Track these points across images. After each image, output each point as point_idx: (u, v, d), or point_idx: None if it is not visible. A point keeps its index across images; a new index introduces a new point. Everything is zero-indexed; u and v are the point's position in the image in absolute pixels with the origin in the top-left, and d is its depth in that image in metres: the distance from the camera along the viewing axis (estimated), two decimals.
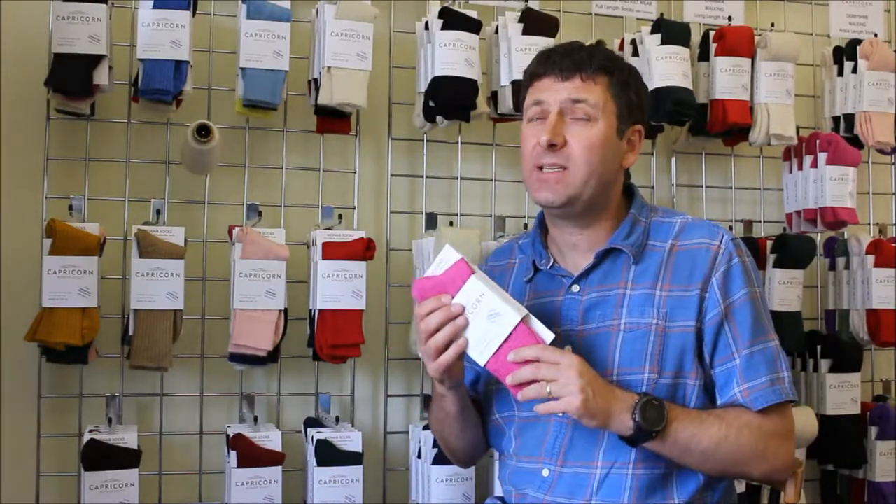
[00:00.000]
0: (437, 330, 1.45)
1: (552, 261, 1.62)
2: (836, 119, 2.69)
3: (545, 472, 1.53)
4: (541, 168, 1.54)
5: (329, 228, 2.26)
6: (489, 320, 1.43)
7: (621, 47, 2.53)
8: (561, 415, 1.48)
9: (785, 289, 2.50)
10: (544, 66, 1.58)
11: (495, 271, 1.72)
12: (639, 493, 1.47)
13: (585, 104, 1.53)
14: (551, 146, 1.52)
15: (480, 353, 1.44)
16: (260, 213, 2.24)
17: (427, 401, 2.33)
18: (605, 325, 1.52)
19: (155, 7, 2.13)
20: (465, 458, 1.82)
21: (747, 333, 1.50)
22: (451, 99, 2.28)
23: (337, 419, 2.27)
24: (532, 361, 1.41)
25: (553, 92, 1.55)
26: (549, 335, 1.44)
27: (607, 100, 1.55)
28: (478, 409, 1.71)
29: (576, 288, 1.57)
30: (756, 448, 1.48)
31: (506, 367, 1.43)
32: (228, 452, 2.12)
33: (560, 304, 1.57)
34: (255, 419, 2.24)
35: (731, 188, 2.73)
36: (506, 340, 1.43)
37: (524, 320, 1.43)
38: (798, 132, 2.60)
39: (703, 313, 1.51)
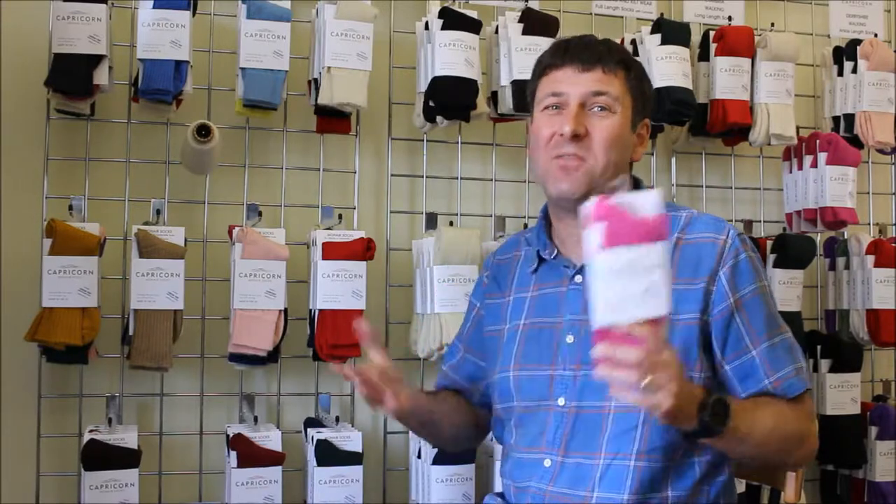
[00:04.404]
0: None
1: (556, 251, 1.63)
2: (836, 119, 2.69)
3: (547, 462, 1.53)
4: (559, 158, 1.54)
5: (329, 228, 2.26)
6: (645, 292, 1.24)
7: (623, 45, 2.53)
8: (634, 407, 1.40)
9: (785, 289, 2.50)
10: (562, 57, 1.58)
11: (502, 265, 1.72)
12: (640, 485, 1.47)
13: (607, 96, 1.54)
14: (575, 136, 1.52)
15: (608, 314, 1.26)
16: (260, 213, 2.24)
17: None
18: None
19: (155, 7, 2.13)
20: (452, 450, 1.84)
21: (763, 327, 1.51)
22: (451, 99, 2.29)
23: (337, 419, 2.27)
24: (633, 341, 1.26)
25: (573, 83, 1.55)
26: None
27: (624, 93, 1.56)
28: (469, 401, 1.74)
29: (579, 278, 1.57)
30: (799, 433, 1.50)
31: (611, 337, 1.26)
32: (228, 452, 2.12)
33: (563, 295, 1.58)
34: (255, 419, 2.24)
35: (731, 188, 2.73)
36: (640, 321, 1.25)
37: (665, 317, 1.26)
38: (798, 132, 2.60)
39: (711, 306, 1.51)
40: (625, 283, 1.24)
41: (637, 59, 2.41)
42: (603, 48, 1.58)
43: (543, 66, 1.61)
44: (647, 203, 1.25)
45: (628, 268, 1.24)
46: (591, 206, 1.26)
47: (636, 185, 1.64)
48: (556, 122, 1.54)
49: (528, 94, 1.68)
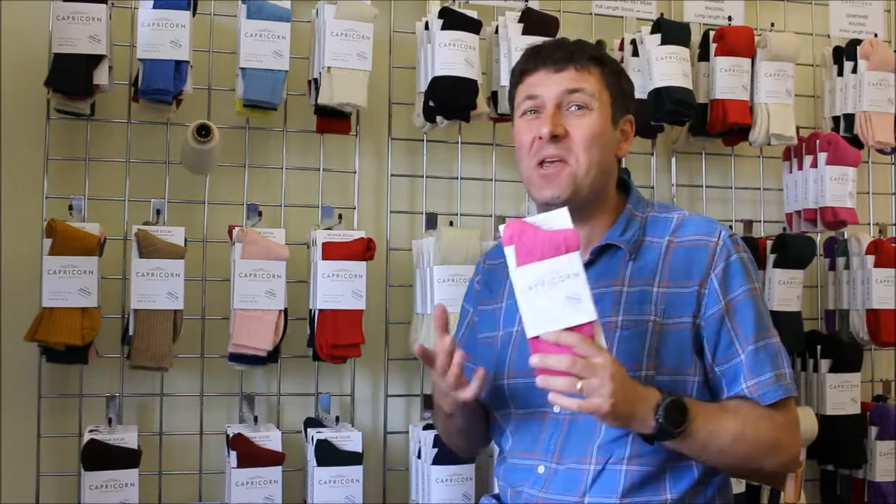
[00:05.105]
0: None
1: None
2: (836, 119, 2.69)
3: (540, 469, 1.53)
4: (541, 164, 1.54)
5: (329, 228, 2.26)
6: (566, 301, 1.34)
7: (621, 47, 2.53)
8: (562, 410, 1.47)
9: (785, 289, 2.50)
10: (535, 60, 1.58)
11: (493, 270, 1.72)
12: (632, 488, 1.46)
13: (582, 93, 1.54)
14: (554, 137, 1.51)
15: (535, 325, 1.35)
16: (260, 213, 2.24)
17: (427, 400, 2.34)
18: (602, 323, 1.52)
19: (155, 7, 2.13)
20: (468, 455, 1.86)
21: (751, 330, 1.50)
22: (451, 99, 2.29)
23: (337, 419, 2.27)
24: (567, 350, 1.33)
25: (548, 85, 1.55)
26: (605, 346, 1.37)
27: (601, 89, 1.56)
28: (482, 409, 1.71)
29: None
30: (771, 440, 1.48)
31: (542, 347, 1.35)
32: (228, 452, 2.12)
33: None
34: (255, 419, 2.24)
35: (731, 188, 2.73)
36: (567, 329, 1.34)
37: (595, 322, 1.36)
38: (798, 132, 2.60)
39: (703, 309, 1.50)
40: (544, 296, 1.34)
41: (636, 59, 2.45)
42: (574, 47, 1.58)
43: (518, 73, 1.61)
44: (553, 220, 1.37)
45: (544, 281, 1.35)
46: (503, 228, 1.38)
47: (624, 183, 1.64)
48: (535, 126, 1.54)
49: (507, 102, 1.68)
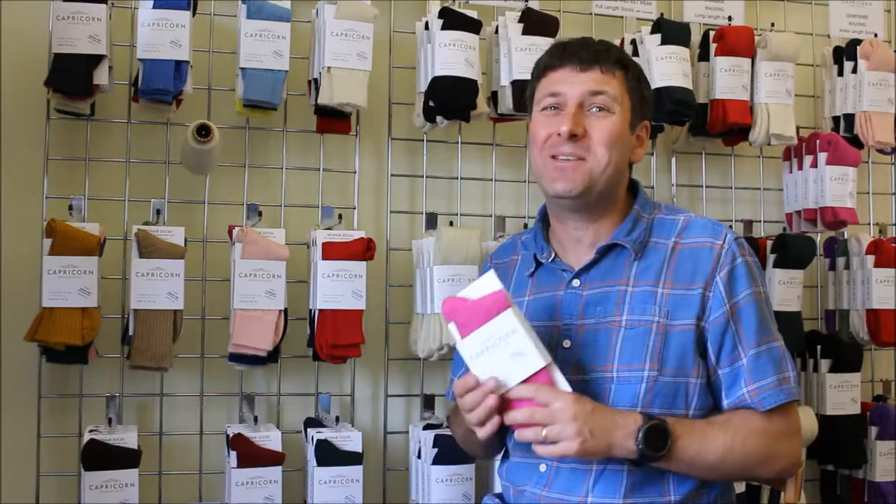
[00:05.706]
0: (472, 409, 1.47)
1: (553, 255, 1.63)
2: (836, 119, 2.69)
3: (542, 468, 1.53)
4: (555, 158, 1.54)
5: (329, 228, 2.26)
6: (512, 358, 1.42)
7: (621, 47, 2.53)
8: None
9: (785, 289, 2.50)
10: (560, 57, 1.58)
11: (500, 269, 1.72)
12: (633, 488, 1.47)
13: (605, 96, 1.54)
14: (572, 136, 1.52)
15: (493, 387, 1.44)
16: (260, 213, 2.24)
17: (427, 401, 2.34)
18: (606, 322, 1.52)
19: (155, 7, 2.13)
20: (488, 458, 1.92)
21: (753, 334, 1.50)
22: (451, 99, 2.29)
23: (337, 419, 2.27)
24: (528, 401, 1.41)
25: (571, 83, 1.55)
26: (566, 387, 1.42)
27: (623, 93, 1.56)
28: None
29: (576, 282, 1.57)
30: (764, 452, 1.48)
31: (506, 404, 1.43)
32: (228, 452, 2.12)
33: (560, 299, 1.57)
34: (255, 419, 2.24)
35: (731, 188, 2.73)
36: (523, 382, 1.42)
37: (547, 367, 1.42)
38: (798, 132, 2.60)
39: (707, 312, 1.50)
40: (492, 358, 1.43)
41: (637, 59, 2.45)
42: (601, 48, 1.58)
43: (542, 68, 1.61)
44: (481, 286, 1.45)
45: (488, 345, 1.43)
46: (442, 309, 1.48)
47: (635, 187, 1.65)
48: (554, 122, 1.54)
49: (527, 95, 1.68)
